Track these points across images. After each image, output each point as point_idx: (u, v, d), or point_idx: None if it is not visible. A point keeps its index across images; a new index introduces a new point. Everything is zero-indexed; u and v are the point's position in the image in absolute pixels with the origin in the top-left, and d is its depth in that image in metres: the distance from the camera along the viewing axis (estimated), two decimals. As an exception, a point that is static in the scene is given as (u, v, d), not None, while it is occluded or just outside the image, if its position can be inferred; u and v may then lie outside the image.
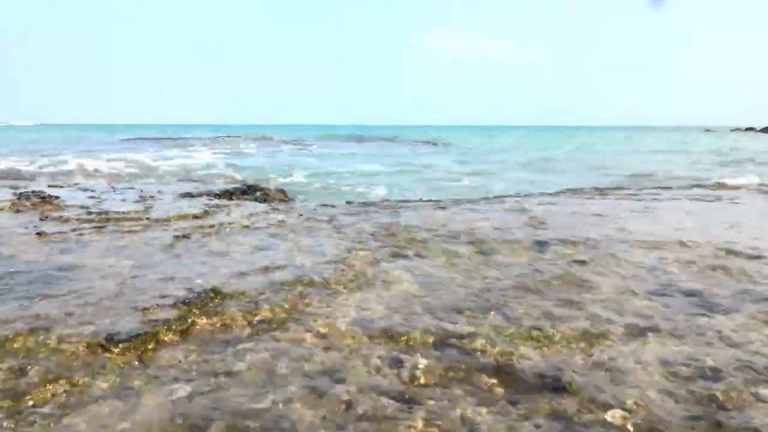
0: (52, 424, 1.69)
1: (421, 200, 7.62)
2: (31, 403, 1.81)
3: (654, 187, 9.00)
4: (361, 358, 2.19)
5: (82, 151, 21.70)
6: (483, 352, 2.27)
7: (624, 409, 1.82)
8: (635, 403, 1.86)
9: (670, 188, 8.77)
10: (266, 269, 3.40)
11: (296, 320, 2.57)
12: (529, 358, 2.21)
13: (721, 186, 9.12)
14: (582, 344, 2.35)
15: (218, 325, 2.49)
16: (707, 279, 3.27)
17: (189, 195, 6.99)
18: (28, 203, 5.64)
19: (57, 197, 6.28)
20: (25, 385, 1.91)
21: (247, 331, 2.45)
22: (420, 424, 1.73)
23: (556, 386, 1.99)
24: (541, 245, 4.10)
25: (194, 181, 10.27)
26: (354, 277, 3.27)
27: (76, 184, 8.34)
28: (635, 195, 7.61)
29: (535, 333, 2.46)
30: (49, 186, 7.76)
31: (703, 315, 2.66)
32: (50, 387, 1.91)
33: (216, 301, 2.75)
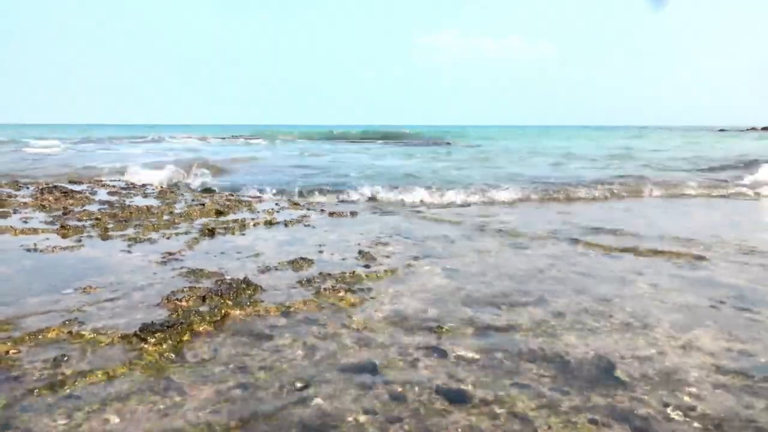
0: (89, 415, 1.65)
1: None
2: (68, 393, 1.77)
3: None
4: (400, 351, 2.12)
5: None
6: (526, 342, 2.19)
7: (684, 404, 1.74)
8: (693, 395, 1.78)
9: None
10: (294, 263, 3.35)
11: (330, 313, 2.51)
12: (576, 349, 2.14)
13: None
14: (628, 335, 2.27)
15: (252, 317, 2.44)
16: None
17: (210, 190, 6.97)
18: (50, 197, 5.64)
19: (79, 192, 6.29)
20: (62, 376, 1.87)
21: (282, 322, 2.39)
22: (470, 417, 1.66)
23: (608, 378, 1.91)
24: None
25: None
26: (384, 271, 3.21)
27: (98, 180, 8.36)
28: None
29: (577, 325, 2.38)
30: (70, 182, 7.78)
31: None
32: (87, 378, 1.86)
33: (248, 293, 2.69)
